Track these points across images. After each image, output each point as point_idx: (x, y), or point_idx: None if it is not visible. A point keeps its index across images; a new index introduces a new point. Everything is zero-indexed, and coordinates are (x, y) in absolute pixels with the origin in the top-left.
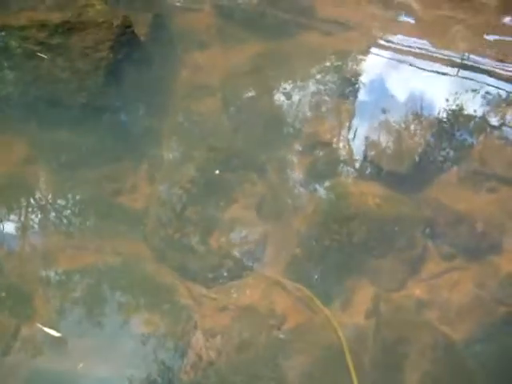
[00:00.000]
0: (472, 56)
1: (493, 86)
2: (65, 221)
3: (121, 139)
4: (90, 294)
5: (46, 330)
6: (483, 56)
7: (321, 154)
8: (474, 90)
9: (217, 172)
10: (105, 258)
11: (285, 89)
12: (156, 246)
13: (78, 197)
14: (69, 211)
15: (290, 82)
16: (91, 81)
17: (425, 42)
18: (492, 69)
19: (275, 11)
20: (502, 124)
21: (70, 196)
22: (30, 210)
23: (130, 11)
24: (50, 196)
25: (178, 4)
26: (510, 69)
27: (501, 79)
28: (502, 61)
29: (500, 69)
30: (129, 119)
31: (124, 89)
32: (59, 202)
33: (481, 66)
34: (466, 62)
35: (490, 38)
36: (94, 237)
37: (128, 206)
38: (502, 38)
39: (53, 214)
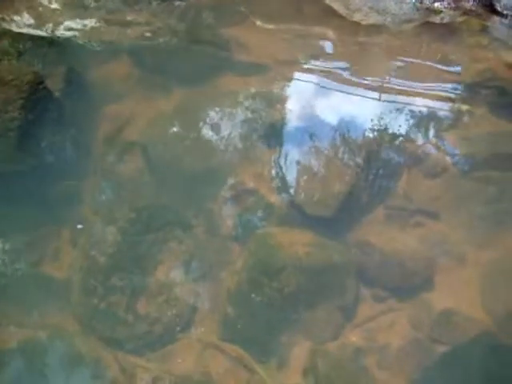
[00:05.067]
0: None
1: (413, 111)
2: None
3: (40, 204)
4: (16, 375)
5: None
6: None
7: (247, 203)
8: (396, 118)
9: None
10: (30, 333)
11: (208, 137)
12: (82, 317)
13: None
14: None
15: (212, 129)
16: (3, 144)
17: (346, 71)
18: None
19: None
20: (425, 155)
21: None
22: None
23: (42, 65)
24: None
25: (92, 54)
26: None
27: (420, 102)
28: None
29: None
30: (47, 182)
31: (40, 150)
32: None
33: (400, 88)
34: (385, 84)
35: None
36: (17, 310)
37: (52, 275)
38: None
39: None
